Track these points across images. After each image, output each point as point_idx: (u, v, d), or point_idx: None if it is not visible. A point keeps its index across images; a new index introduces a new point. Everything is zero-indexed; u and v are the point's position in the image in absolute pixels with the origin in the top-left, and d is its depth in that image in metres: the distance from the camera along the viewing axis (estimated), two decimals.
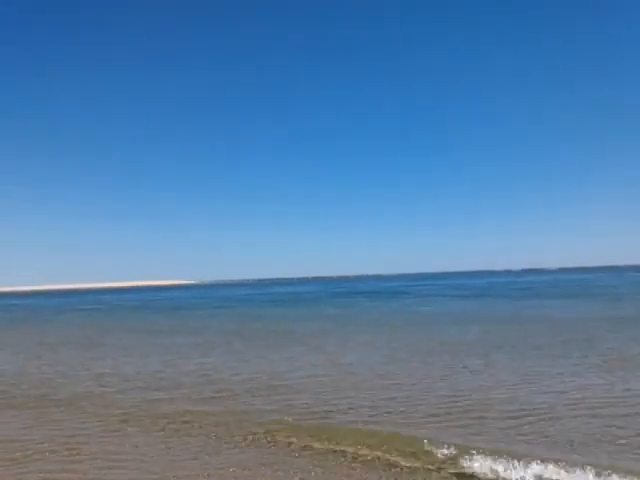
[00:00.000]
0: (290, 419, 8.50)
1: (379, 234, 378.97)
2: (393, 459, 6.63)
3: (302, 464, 6.60)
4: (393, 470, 6.32)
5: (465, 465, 6.27)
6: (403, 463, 6.48)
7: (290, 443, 7.43)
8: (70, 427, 8.56)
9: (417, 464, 6.43)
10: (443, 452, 6.61)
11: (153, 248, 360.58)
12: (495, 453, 6.43)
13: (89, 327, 28.02)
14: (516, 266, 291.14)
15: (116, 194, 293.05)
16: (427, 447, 6.79)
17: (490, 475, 6.02)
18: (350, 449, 7.03)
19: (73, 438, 7.96)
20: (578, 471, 5.81)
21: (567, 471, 5.84)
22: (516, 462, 6.09)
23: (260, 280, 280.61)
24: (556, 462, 6.02)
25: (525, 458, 6.17)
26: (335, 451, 7.04)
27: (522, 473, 5.94)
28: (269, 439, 7.67)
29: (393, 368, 12.77)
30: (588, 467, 5.85)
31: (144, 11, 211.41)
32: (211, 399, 10.24)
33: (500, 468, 6.07)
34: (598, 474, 5.74)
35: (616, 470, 5.82)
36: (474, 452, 6.47)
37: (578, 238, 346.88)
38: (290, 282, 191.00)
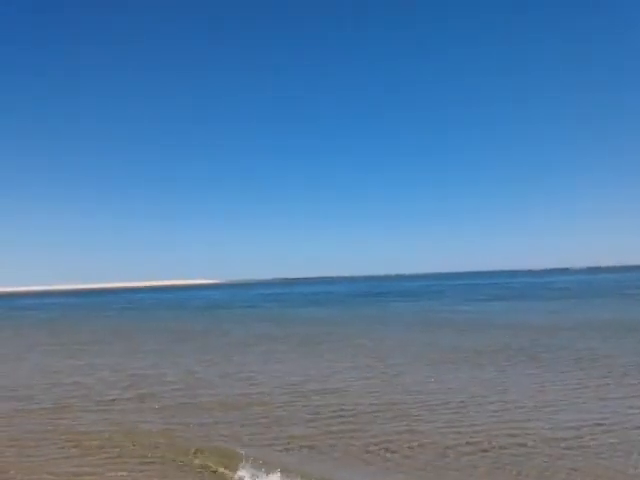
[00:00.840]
0: None
1: (396, 234, 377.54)
2: None
3: None
4: None
5: None
6: None
7: None
8: None
9: None
10: None
11: (175, 247, 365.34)
12: None
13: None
14: (537, 266, 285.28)
15: (138, 194, 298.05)
16: None
17: None
18: None
19: None
20: None
21: None
22: None
23: (285, 279, 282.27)
24: None
25: None
26: None
27: None
28: None
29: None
30: None
31: (145, 11, 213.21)
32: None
33: None
34: None
35: None
36: None
37: (592, 237, 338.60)
38: (314, 282, 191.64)
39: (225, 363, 15.19)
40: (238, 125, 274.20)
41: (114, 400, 10.91)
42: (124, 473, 6.82)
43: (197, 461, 7.12)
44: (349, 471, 6.72)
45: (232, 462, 6.90)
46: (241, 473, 6.58)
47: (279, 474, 6.40)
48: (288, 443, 7.83)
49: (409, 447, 7.48)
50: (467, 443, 7.54)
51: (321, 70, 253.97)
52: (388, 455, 7.23)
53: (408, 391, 10.85)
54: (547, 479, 6.28)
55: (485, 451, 7.24)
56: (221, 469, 6.84)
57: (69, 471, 6.98)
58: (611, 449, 7.11)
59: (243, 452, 7.12)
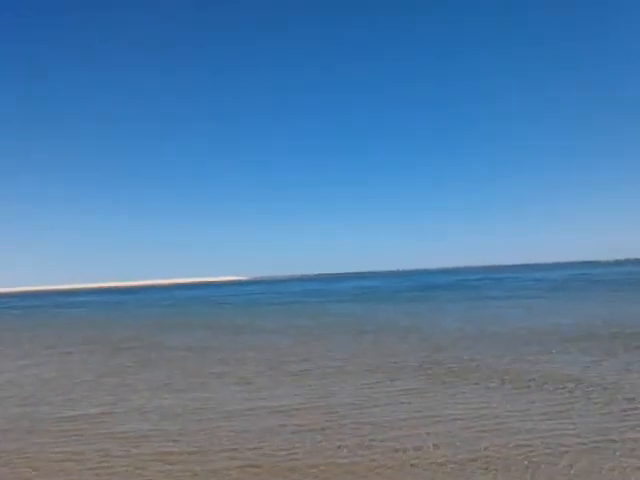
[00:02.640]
0: None
1: (419, 230, 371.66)
2: None
3: None
4: None
5: None
6: None
7: None
8: None
9: None
10: None
11: (200, 245, 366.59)
12: None
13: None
14: (563, 258, 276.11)
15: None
16: None
17: None
18: None
19: None
20: None
21: None
22: None
23: (317, 275, 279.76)
24: None
25: None
26: None
27: None
28: None
29: None
30: None
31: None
32: None
33: None
34: None
35: None
36: None
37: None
38: (346, 277, 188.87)
39: None
40: (265, 122, 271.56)
41: None
42: None
43: None
44: None
45: None
46: None
47: None
48: None
49: None
50: None
51: (338, 69, 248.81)
52: None
53: None
54: None
55: None
56: None
57: None
58: None
59: None
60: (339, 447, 7.07)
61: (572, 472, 6.00)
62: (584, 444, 6.79)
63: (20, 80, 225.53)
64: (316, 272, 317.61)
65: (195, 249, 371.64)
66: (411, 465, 6.38)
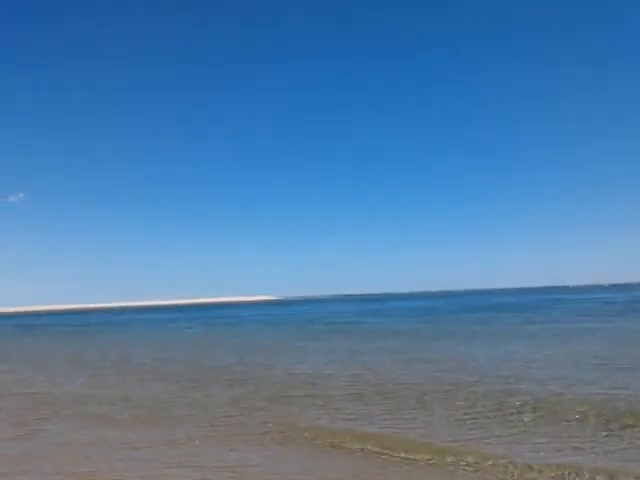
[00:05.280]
0: None
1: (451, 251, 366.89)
2: None
3: None
4: None
5: None
6: None
7: None
8: None
9: None
10: None
11: (228, 264, 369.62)
12: None
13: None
14: (602, 281, 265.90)
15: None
16: None
17: None
18: None
19: None
20: None
21: None
22: None
23: (347, 295, 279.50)
24: None
25: None
26: None
27: None
28: None
29: None
30: None
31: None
32: None
33: None
34: None
35: None
36: None
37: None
38: (369, 298, 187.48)
39: None
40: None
41: None
42: None
43: None
44: None
45: None
46: None
47: None
48: None
49: None
50: None
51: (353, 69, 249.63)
52: None
53: None
54: None
55: None
56: None
57: None
58: None
59: None
60: None
61: None
62: None
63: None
64: (343, 292, 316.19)
65: (216, 268, 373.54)
66: None
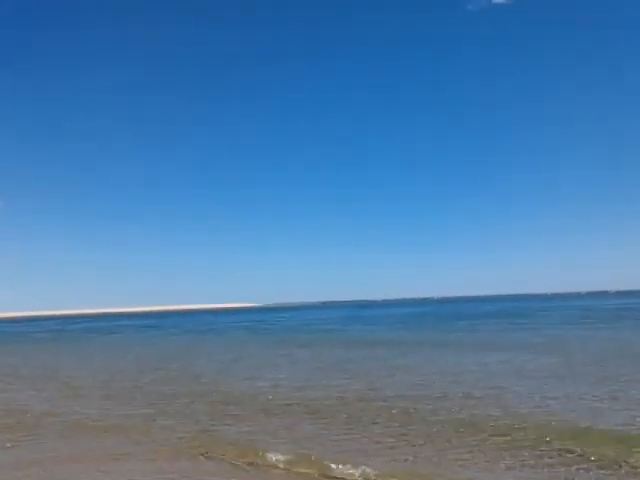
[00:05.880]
0: None
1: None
2: None
3: None
4: None
5: None
6: None
7: None
8: None
9: None
10: None
11: (207, 271, 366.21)
12: None
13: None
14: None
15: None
16: None
17: None
18: None
19: None
20: None
21: None
22: None
23: (324, 302, 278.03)
24: None
25: None
26: None
27: None
28: None
29: None
30: None
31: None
32: None
33: None
34: None
35: None
36: None
37: None
38: (354, 304, 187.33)
39: None
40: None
41: None
42: None
43: None
44: None
45: None
46: None
47: None
48: None
49: None
50: None
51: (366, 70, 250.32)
52: None
53: None
54: None
55: None
56: None
57: None
58: None
59: None
60: None
61: None
62: None
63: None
64: (321, 300, 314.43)
65: (199, 275, 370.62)
66: None
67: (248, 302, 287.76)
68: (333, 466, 7.74)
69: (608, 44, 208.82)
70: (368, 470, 7.48)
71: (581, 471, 7.33)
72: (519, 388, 13.37)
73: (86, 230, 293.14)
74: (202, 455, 8.72)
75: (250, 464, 8.22)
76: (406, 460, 8.10)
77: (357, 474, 7.44)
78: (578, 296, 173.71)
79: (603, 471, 7.32)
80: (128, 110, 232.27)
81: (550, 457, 7.87)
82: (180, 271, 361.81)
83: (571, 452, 8.02)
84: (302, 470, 7.84)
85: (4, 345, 42.48)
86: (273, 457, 8.30)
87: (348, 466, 7.66)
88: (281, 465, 8.05)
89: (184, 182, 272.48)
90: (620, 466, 7.42)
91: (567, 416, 10.24)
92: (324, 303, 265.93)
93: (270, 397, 13.27)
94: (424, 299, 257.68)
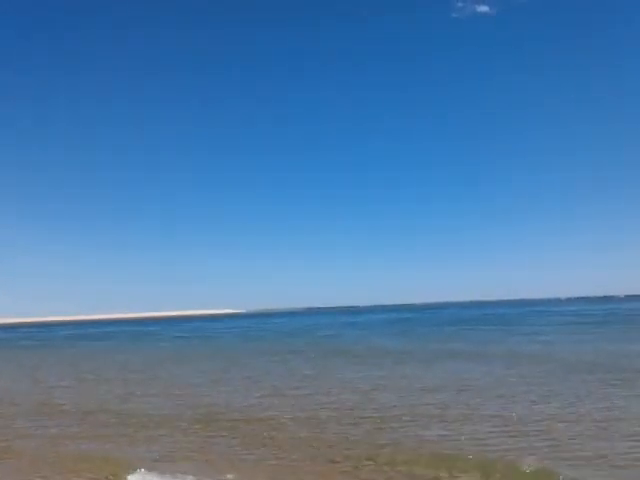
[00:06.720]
0: None
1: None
2: None
3: None
4: None
5: None
6: None
7: None
8: None
9: None
10: None
11: (192, 278, 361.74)
12: None
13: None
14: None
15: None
16: None
17: None
18: None
19: None
20: None
21: None
22: None
23: (309, 308, 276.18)
24: None
25: None
26: None
27: None
28: None
29: None
30: None
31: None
32: None
33: None
34: None
35: None
36: None
37: None
38: (343, 311, 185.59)
39: None
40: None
41: None
42: None
43: None
44: None
45: None
46: None
47: None
48: None
49: None
50: None
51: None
52: None
53: None
54: None
55: None
56: None
57: None
58: None
59: None
60: None
61: None
62: None
63: None
64: (305, 305, 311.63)
65: (182, 281, 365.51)
66: None
67: (232, 308, 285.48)
68: None
69: (592, 53, 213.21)
70: None
71: None
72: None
73: (68, 238, 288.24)
74: None
75: None
76: None
77: None
78: (558, 302, 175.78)
79: None
80: (128, 110, 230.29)
81: None
82: (162, 278, 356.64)
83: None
84: None
85: None
86: None
87: None
88: None
89: (178, 185, 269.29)
90: None
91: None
92: (309, 309, 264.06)
93: None
94: (410, 305, 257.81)
